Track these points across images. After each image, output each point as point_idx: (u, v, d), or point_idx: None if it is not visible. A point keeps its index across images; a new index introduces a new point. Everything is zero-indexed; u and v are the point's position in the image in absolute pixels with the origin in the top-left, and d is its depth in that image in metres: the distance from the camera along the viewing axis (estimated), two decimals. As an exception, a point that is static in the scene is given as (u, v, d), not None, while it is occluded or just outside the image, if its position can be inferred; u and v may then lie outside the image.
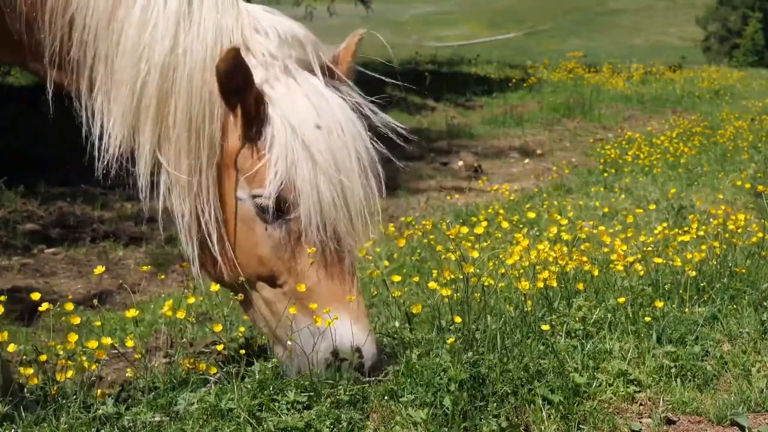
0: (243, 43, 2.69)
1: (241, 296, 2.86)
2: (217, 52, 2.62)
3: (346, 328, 2.70)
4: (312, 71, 2.79)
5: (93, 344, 2.82)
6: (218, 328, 3.18)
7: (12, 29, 2.71)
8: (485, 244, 5.08)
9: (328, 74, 2.84)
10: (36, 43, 2.72)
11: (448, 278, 3.46)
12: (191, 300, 3.17)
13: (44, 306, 2.81)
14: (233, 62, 2.53)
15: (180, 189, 2.69)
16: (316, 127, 2.67)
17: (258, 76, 2.67)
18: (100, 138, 2.69)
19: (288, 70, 2.74)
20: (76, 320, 2.80)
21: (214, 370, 2.93)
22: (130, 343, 2.97)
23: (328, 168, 2.66)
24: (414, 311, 3.39)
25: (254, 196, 2.70)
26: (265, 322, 2.85)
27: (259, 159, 2.67)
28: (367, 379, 2.76)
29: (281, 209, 2.68)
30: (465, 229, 3.88)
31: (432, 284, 3.51)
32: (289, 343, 2.75)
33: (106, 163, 2.69)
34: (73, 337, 2.78)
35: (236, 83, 2.58)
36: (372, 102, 2.90)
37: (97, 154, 2.70)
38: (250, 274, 2.78)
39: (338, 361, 2.73)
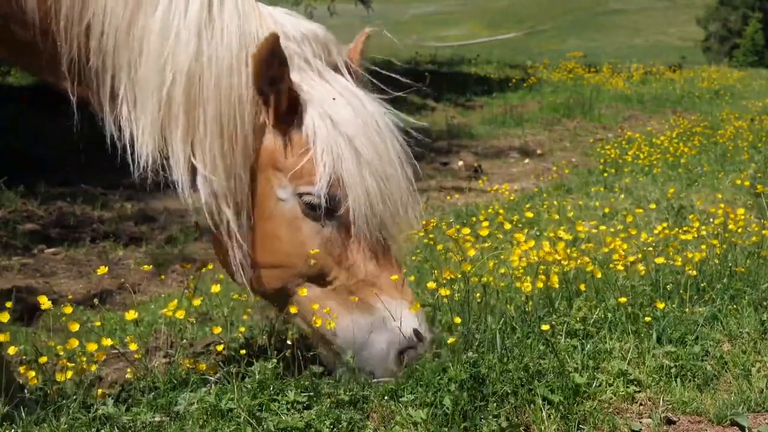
0: None
1: (294, 308, 2.82)
2: (243, 57, 2.63)
3: (407, 317, 2.72)
4: (338, 71, 2.83)
5: (93, 347, 2.81)
6: (218, 330, 3.17)
7: (24, 38, 2.68)
8: (486, 244, 5.07)
9: (351, 72, 2.87)
10: (51, 51, 2.69)
11: (449, 278, 3.46)
12: (197, 302, 3.16)
13: (46, 304, 2.79)
14: (272, 49, 2.53)
15: (221, 195, 2.67)
16: (354, 120, 2.69)
17: (292, 76, 2.67)
18: (131, 145, 2.68)
19: (319, 72, 2.77)
20: (75, 327, 2.79)
21: (214, 370, 2.92)
22: (133, 346, 2.96)
23: (371, 160, 2.68)
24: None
25: (301, 194, 2.69)
26: (309, 321, 2.81)
27: (302, 155, 2.66)
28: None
29: (330, 205, 2.68)
30: (466, 230, 3.88)
31: (431, 284, 3.51)
32: (334, 339, 2.73)
33: (141, 169, 2.68)
34: (74, 342, 2.77)
35: (273, 72, 2.57)
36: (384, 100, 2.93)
37: (130, 161, 2.68)
38: (293, 275, 2.76)
39: (402, 348, 2.74)
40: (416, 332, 2.74)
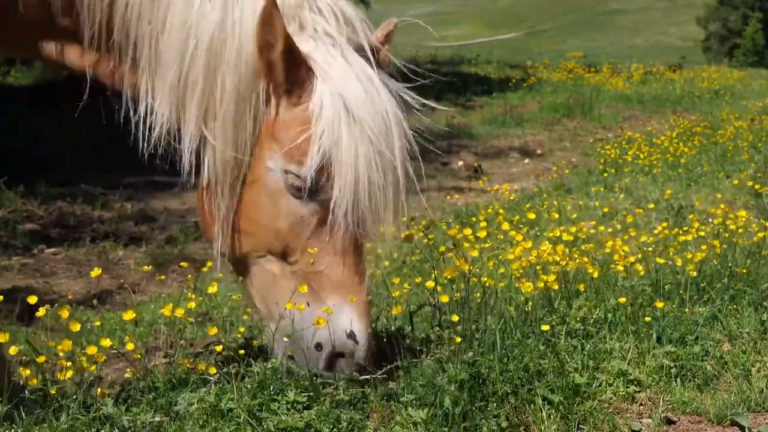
0: (295, 19, 2.65)
1: (235, 273, 2.81)
2: None
3: (346, 322, 2.65)
4: (362, 51, 2.74)
5: (92, 350, 2.80)
6: (213, 331, 3.17)
7: (43, 17, 2.67)
8: (487, 245, 5.07)
9: (376, 56, 2.78)
10: (73, 28, 2.68)
11: (449, 277, 3.46)
12: (192, 305, 3.14)
13: (42, 311, 2.80)
14: (266, 10, 2.48)
15: (224, 164, 2.64)
16: (364, 105, 2.62)
17: (307, 46, 2.62)
18: (145, 118, 2.65)
19: (340, 48, 2.68)
20: (76, 327, 2.78)
21: (213, 370, 2.92)
22: (130, 346, 2.96)
23: (371, 151, 2.61)
24: (394, 312, 3.37)
25: (287, 172, 2.64)
26: (261, 296, 2.80)
27: (302, 132, 2.60)
28: (357, 376, 2.72)
29: (314, 188, 2.62)
30: (468, 231, 3.88)
31: (429, 283, 3.51)
32: (283, 322, 2.69)
33: (152, 143, 2.64)
34: (68, 343, 2.76)
35: (269, 35, 2.51)
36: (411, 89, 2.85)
37: (141, 135, 2.65)
38: (260, 245, 2.72)
39: (332, 352, 2.68)
40: (351, 337, 2.66)
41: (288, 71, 2.58)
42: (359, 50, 2.74)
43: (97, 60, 2.73)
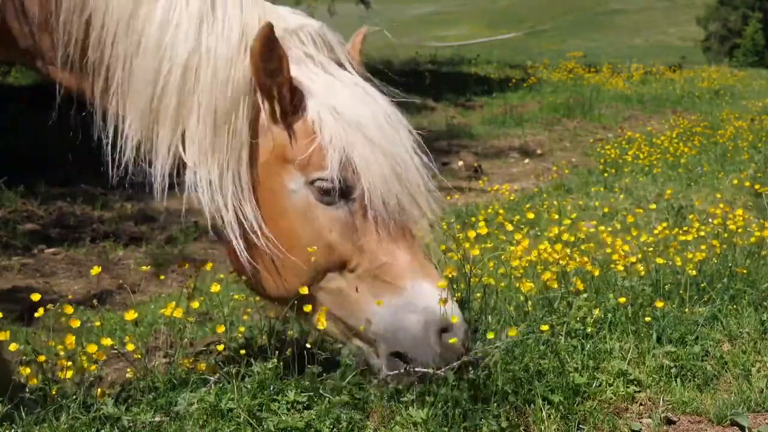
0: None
1: (308, 307, 2.75)
2: (242, 49, 2.61)
3: (433, 295, 2.64)
4: (342, 67, 2.80)
5: (92, 348, 2.80)
6: (221, 329, 3.16)
7: (20, 31, 2.69)
8: (489, 245, 5.07)
9: (355, 70, 2.85)
10: (46, 44, 2.69)
11: (450, 276, 3.46)
12: (195, 304, 3.14)
13: (40, 311, 2.80)
14: (268, 39, 2.51)
15: (213, 188, 2.64)
16: (360, 109, 2.67)
17: (293, 71, 2.65)
18: (114, 141, 2.66)
19: (322, 65, 2.74)
20: (76, 323, 2.78)
21: (214, 370, 2.92)
22: (130, 347, 2.95)
23: (383, 144, 2.65)
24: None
25: (312, 181, 2.65)
26: (338, 317, 2.75)
27: (309, 143, 2.63)
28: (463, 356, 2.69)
29: (345, 187, 2.64)
30: (472, 233, 3.88)
31: (441, 284, 3.49)
32: (373, 328, 2.65)
33: (121, 167, 2.65)
34: (71, 339, 2.76)
35: (272, 64, 2.55)
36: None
37: (110, 158, 2.66)
38: (315, 269, 2.69)
39: (439, 329, 2.65)
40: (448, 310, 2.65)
41: (291, 94, 2.64)
42: (340, 65, 2.81)
43: (71, 78, 2.73)
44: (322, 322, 2.73)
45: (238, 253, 2.68)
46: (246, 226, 2.65)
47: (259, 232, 2.65)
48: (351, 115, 2.65)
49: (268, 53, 2.54)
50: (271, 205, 2.69)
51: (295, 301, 2.75)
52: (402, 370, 2.67)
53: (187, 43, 2.59)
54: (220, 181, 2.63)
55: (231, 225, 2.66)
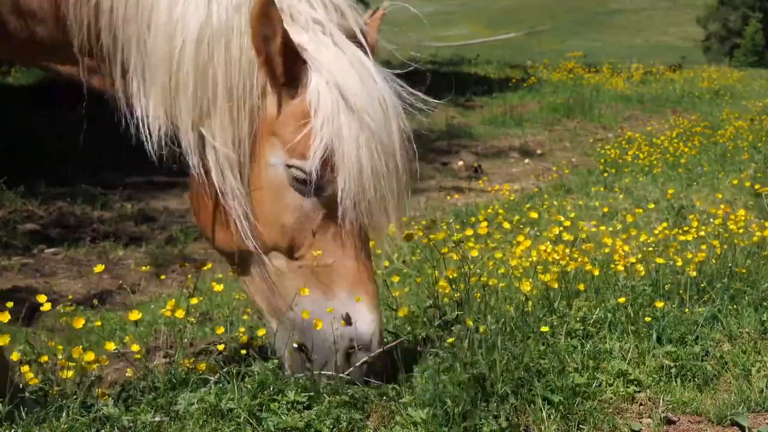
0: (283, 9, 2.59)
1: (233, 271, 2.78)
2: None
3: (363, 316, 2.62)
4: (353, 39, 2.70)
5: (90, 356, 2.79)
6: (221, 330, 3.17)
7: (17, 24, 2.66)
8: (491, 245, 5.08)
9: (367, 43, 2.74)
10: (63, 36, 2.65)
11: (451, 277, 3.46)
12: (194, 301, 3.13)
13: (46, 306, 2.79)
14: (263, 2, 2.43)
15: (227, 162, 2.60)
16: (361, 93, 2.58)
17: (300, 38, 2.58)
18: (142, 122, 2.61)
19: (332, 36, 2.64)
20: (80, 322, 2.77)
21: (214, 370, 2.92)
22: (135, 347, 2.95)
23: (373, 140, 2.58)
24: (400, 314, 3.37)
25: (291, 166, 2.59)
26: (264, 293, 2.76)
27: (302, 126, 2.56)
28: (365, 378, 2.71)
29: (320, 182, 2.59)
30: (470, 232, 3.88)
31: (442, 282, 3.49)
32: (291, 315, 2.66)
33: (155, 146, 2.60)
34: (78, 349, 2.76)
35: (267, 29, 2.47)
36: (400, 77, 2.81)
37: (145, 138, 2.61)
38: (265, 241, 2.68)
39: (348, 345, 2.64)
40: (368, 332, 2.64)
41: (286, 65, 2.55)
42: (350, 37, 2.70)
43: (88, 67, 2.69)
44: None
45: (234, 219, 2.66)
46: (234, 185, 2.63)
47: (241, 198, 2.63)
48: (351, 100, 2.57)
49: (264, 17, 2.46)
50: (253, 171, 2.65)
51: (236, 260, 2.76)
52: (300, 363, 2.69)
53: (198, 14, 2.53)
54: (234, 155, 2.60)
55: (234, 193, 2.62)
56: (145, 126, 2.61)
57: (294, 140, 2.57)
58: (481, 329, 3.00)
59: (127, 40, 2.60)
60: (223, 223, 2.71)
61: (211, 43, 2.54)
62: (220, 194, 2.64)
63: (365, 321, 2.64)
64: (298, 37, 2.59)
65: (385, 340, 2.84)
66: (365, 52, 2.68)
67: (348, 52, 2.64)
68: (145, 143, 2.62)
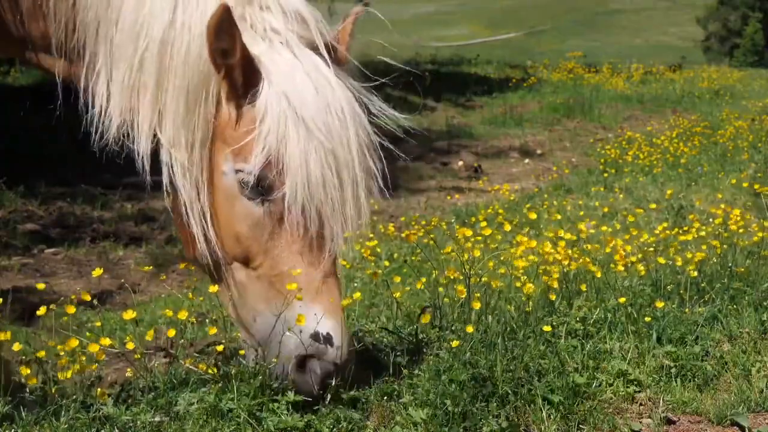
0: (244, 17, 2.62)
1: (214, 288, 2.79)
2: None
3: (313, 322, 2.57)
4: (315, 49, 2.70)
5: (94, 347, 2.80)
6: (213, 331, 3.17)
7: (12, 20, 2.71)
8: (493, 246, 5.07)
9: (333, 53, 2.74)
10: (37, 32, 2.72)
11: (452, 277, 3.46)
12: (190, 297, 3.13)
13: (42, 310, 2.80)
14: (221, 19, 2.46)
15: (179, 166, 2.62)
16: (314, 102, 2.58)
17: (257, 48, 2.60)
18: (100, 118, 2.65)
19: (289, 45, 2.65)
20: (71, 309, 2.76)
21: (214, 370, 2.91)
22: (130, 345, 2.95)
23: (321, 146, 2.56)
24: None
25: (237, 171, 2.61)
26: (232, 304, 2.76)
27: (248, 132, 2.58)
28: (331, 381, 2.62)
29: (264, 186, 2.59)
30: (469, 232, 3.87)
31: (443, 279, 3.49)
32: (252, 326, 2.66)
33: (104, 138, 2.64)
34: (74, 342, 2.76)
35: (223, 44, 2.50)
36: (370, 88, 2.81)
37: (95, 134, 2.65)
38: (225, 252, 2.69)
39: (302, 354, 2.57)
40: (326, 339, 2.58)
41: (245, 77, 2.58)
42: (313, 48, 2.70)
43: (66, 65, 2.74)
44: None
45: (193, 231, 2.68)
46: (199, 196, 2.65)
47: (198, 208, 2.65)
48: (300, 110, 2.56)
49: (221, 33, 2.48)
50: (210, 181, 2.67)
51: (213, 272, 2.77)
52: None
53: (163, 18, 2.57)
54: (189, 158, 2.62)
55: (191, 202, 2.64)
56: (103, 123, 2.65)
57: (240, 145, 2.59)
58: (468, 329, 2.99)
59: (98, 38, 2.65)
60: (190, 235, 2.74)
61: (173, 46, 2.58)
62: (176, 202, 2.67)
63: (318, 329, 2.58)
64: (255, 47, 2.61)
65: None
66: (326, 62, 2.68)
67: (305, 62, 2.65)
68: (93, 134, 2.65)
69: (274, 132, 2.56)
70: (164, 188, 2.70)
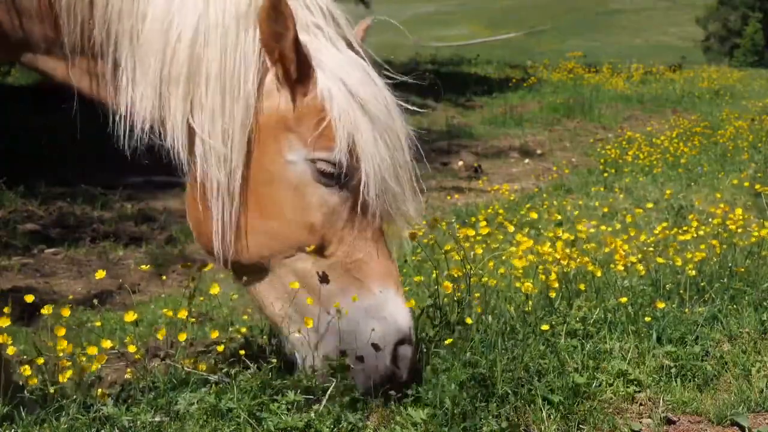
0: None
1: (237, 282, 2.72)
2: (251, 11, 2.54)
3: (400, 310, 2.59)
4: (350, 46, 2.72)
5: (93, 350, 2.80)
6: (215, 334, 3.17)
7: (9, 23, 2.65)
8: (494, 246, 5.08)
9: (361, 52, 2.76)
10: (45, 34, 2.65)
11: (454, 276, 3.46)
12: (201, 298, 3.10)
13: (46, 309, 2.80)
14: (275, 1, 2.43)
15: (215, 157, 2.56)
16: (366, 87, 2.59)
17: (302, 38, 2.57)
18: (126, 116, 2.58)
19: (331, 39, 2.66)
20: (66, 312, 2.76)
21: (214, 370, 2.92)
22: (131, 348, 2.94)
23: (384, 131, 2.58)
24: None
25: (315, 160, 2.56)
26: (283, 299, 2.66)
27: (319, 120, 2.55)
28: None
29: (346, 173, 2.56)
30: (471, 232, 3.87)
31: (446, 283, 3.49)
32: (326, 318, 2.59)
33: (135, 138, 2.57)
34: (67, 345, 2.76)
35: (279, 26, 2.47)
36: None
37: (122, 133, 2.58)
38: (286, 244, 2.61)
39: (397, 341, 2.58)
40: (404, 322, 2.60)
41: (298, 61, 2.54)
42: (348, 45, 2.72)
43: (78, 66, 2.67)
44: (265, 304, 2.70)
45: (215, 221, 2.60)
46: (231, 186, 2.58)
47: (237, 196, 2.58)
48: (358, 94, 2.57)
49: (275, 14, 2.46)
50: (261, 172, 2.61)
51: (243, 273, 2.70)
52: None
53: (196, 7, 2.53)
54: (226, 147, 2.56)
55: (219, 190, 2.58)
56: (129, 119, 2.58)
57: (314, 134, 2.56)
58: (468, 320, 2.98)
59: (120, 35, 2.58)
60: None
61: (207, 35, 2.53)
62: (203, 194, 2.60)
63: (402, 314, 2.61)
64: (300, 36, 2.58)
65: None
66: (362, 57, 2.71)
67: (347, 55, 2.67)
68: (122, 137, 2.58)
69: (346, 115, 2.55)
70: (191, 183, 2.63)
